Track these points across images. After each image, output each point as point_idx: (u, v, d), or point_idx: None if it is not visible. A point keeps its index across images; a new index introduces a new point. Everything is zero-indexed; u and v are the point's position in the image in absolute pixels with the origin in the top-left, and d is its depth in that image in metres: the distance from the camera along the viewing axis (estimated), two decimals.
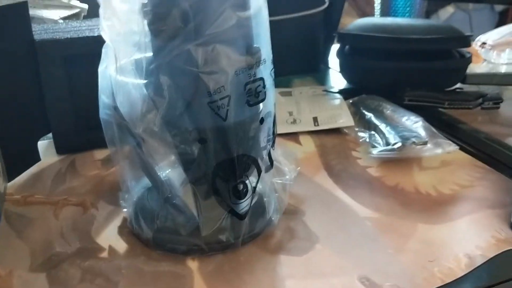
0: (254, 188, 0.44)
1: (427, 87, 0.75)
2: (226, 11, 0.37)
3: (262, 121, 0.43)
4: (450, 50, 0.79)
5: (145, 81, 0.39)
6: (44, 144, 0.63)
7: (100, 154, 0.62)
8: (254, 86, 0.41)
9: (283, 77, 0.90)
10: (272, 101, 0.44)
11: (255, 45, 0.40)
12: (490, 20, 1.92)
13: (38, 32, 0.58)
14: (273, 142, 0.46)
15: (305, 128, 0.67)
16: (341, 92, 0.79)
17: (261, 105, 0.42)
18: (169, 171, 0.46)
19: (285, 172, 0.51)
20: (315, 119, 0.69)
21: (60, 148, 0.62)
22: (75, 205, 0.52)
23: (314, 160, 0.60)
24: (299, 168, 0.53)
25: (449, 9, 2.05)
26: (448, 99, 0.72)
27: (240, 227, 0.44)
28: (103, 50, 0.43)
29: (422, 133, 0.59)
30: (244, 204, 0.44)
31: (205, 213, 0.43)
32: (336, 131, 0.67)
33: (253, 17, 0.40)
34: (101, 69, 0.43)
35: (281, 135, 0.66)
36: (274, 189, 0.49)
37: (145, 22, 0.38)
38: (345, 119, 0.68)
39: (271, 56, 0.42)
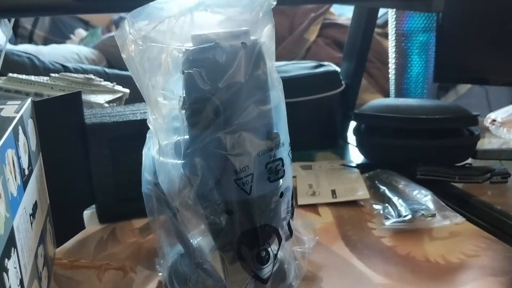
0: (276, 255, 0.50)
1: (438, 162, 0.80)
2: (250, 106, 0.45)
3: (282, 195, 0.50)
4: (460, 128, 0.85)
5: (182, 162, 0.46)
6: (88, 214, 0.70)
7: (138, 223, 0.68)
8: (274, 165, 0.47)
9: (304, 152, 0.97)
10: (290, 178, 0.51)
11: (274, 131, 0.47)
12: (508, 95, 1.98)
13: (88, 117, 0.66)
14: (292, 214, 0.52)
15: (323, 200, 0.73)
16: (358, 166, 0.85)
17: (280, 181, 0.49)
18: (200, 239, 0.52)
19: (304, 241, 0.57)
20: (333, 192, 0.75)
21: (103, 217, 0.69)
22: (116, 269, 0.58)
23: (332, 230, 0.65)
24: (317, 237, 0.59)
25: (467, 85, 2.13)
26: (458, 173, 0.78)
27: None
28: (148, 135, 0.51)
29: (431, 206, 0.64)
30: (267, 270, 0.49)
31: (232, 277, 0.48)
32: (353, 203, 0.72)
33: (273, 109, 0.48)
34: (145, 150, 0.51)
35: (301, 206, 0.72)
36: (294, 257, 0.54)
37: (184, 115, 0.46)
38: (362, 192, 0.73)
39: (288, 139, 0.49)
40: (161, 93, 0.45)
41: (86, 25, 2.98)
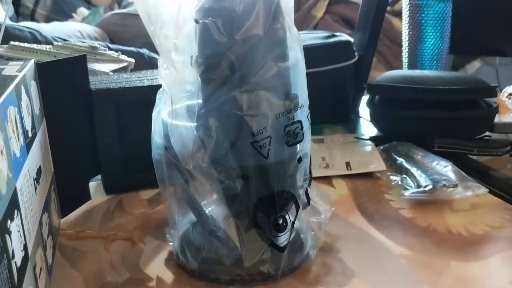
0: (293, 223, 0.47)
1: (456, 134, 0.77)
2: (268, 62, 0.42)
3: (300, 160, 0.47)
4: (477, 100, 0.82)
5: (195, 124, 0.44)
6: (94, 185, 0.68)
7: (145, 194, 0.66)
8: (293, 128, 0.45)
9: (314, 126, 0.93)
10: (309, 143, 0.48)
11: (293, 92, 0.44)
12: None
13: (93, 83, 0.63)
14: (310, 181, 0.50)
15: (338, 172, 0.70)
16: (372, 139, 0.82)
17: (298, 146, 0.46)
18: (213, 207, 0.49)
19: (321, 212, 0.54)
20: (347, 164, 0.72)
21: (109, 188, 0.66)
22: (124, 240, 0.55)
23: (347, 202, 0.63)
24: (333, 208, 0.56)
25: (476, 64, 2.09)
26: (477, 146, 0.75)
27: (280, 260, 0.46)
28: (158, 96, 0.48)
29: (452, 176, 0.62)
30: (284, 238, 0.46)
31: (247, 245, 0.46)
32: (368, 175, 0.69)
33: (291, 67, 0.45)
34: (154, 113, 0.48)
35: (314, 178, 0.69)
36: (310, 227, 0.51)
37: (197, 72, 0.43)
38: (377, 164, 0.71)
39: (307, 102, 0.46)
40: (174, 44, 0.42)
41: (88, 3, 2.93)
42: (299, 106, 0.45)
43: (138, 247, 0.54)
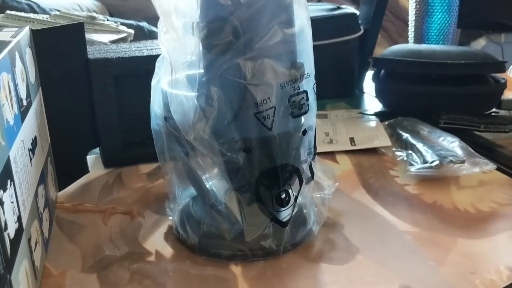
0: (296, 197, 0.46)
1: (462, 110, 0.76)
2: (273, 28, 0.40)
3: (304, 132, 0.45)
4: (485, 75, 0.80)
5: (196, 93, 0.42)
6: (92, 158, 0.66)
7: (145, 168, 0.64)
8: (298, 99, 0.43)
9: (318, 101, 0.92)
10: (314, 115, 0.46)
11: (299, 60, 0.43)
12: None
13: (91, 52, 0.61)
14: (314, 155, 0.48)
15: (342, 148, 0.68)
16: (376, 115, 0.81)
17: (303, 118, 0.44)
18: (214, 181, 0.48)
19: (324, 187, 0.53)
20: (351, 139, 0.70)
21: (108, 161, 0.65)
22: (123, 214, 0.54)
23: (351, 178, 0.61)
24: (337, 184, 0.55)
25: (481, 42, 2.06)
26: (484, 122, 0.73)
27: (282, 235, 0.45)
28: (157, 65, 0.46)
29: (459, 152, 0.60)
30: (286, 213, 0.45)
31: (249, 220, 0.44)
32: (373, 151, 0.68)
33: (297, 34, 0.42)
34: (153, 82, 0.46)
35: (318, 154, 0.68)
36: (313, 203, 0.50)
37: (199, 37, 0.41)
38: (382, 140, 0.69)
39: (313, 71, 0.44)
40: (174, 6, 0.40)
41: None
42: (305, 76, 0.43)
43: (137, 221, 0.53)
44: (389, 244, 0.48)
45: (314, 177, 0.50)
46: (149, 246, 0.48)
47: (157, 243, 0.49)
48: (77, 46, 0.58)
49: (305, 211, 0.49)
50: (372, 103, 0.90)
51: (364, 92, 0.97)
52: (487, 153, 0.66)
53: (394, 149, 0.66)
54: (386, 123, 0.75)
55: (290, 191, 0.45)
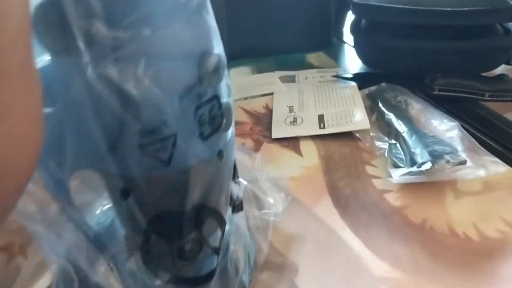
0: (217, 248, 0.31)
1: (462, 72, 0.60)
2: None
3: (221, 155, 0.29)
4: (493, 25, 0.63)
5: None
6: None
7: None
8: (207, 110, 0.27)
9: (289, 55, 0.75)
10: (232, 123, 0.30)
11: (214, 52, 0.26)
12: None
13: None
14: (235, 174, 0.33)
15: (308, 131, 0.53)
16: (355, 78, 0.64)
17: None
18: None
19: (269, 204, 0.38)
20: (320, 118, 0.55)
21: None
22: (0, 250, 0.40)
23: (316, 179, 0.46)
24: (290, 197, 0.40)
25: None
26: (490, 89, 0.57)
27: None
28: None
29: (459, 146, 0.45)
30: (199, 267, 0.31)
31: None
32: (347, 135, 0.52)
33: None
34: None
35: (277, 140, 0.53)
36: (248, 232, 0.36)
37: None
38: (359, 119, 0.53)
39: (224, 56, 0.28)
40: None
41: None
42: (217, 71, 0.27)
43: (15, 264, 0.38)
44: None
45: (254, 192, 0.35)
46: None
47: None
48: None
49: (232, 248, 0.34)
50: (354, 55, 0.73)
51: (344, 42, 0.80)
52: (492, 134, 0.51)
53: (373, 134, 0.51)
54: (366, 91, 0.59)
55: (200, 237, 0.30)
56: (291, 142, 0.52)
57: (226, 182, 0.31)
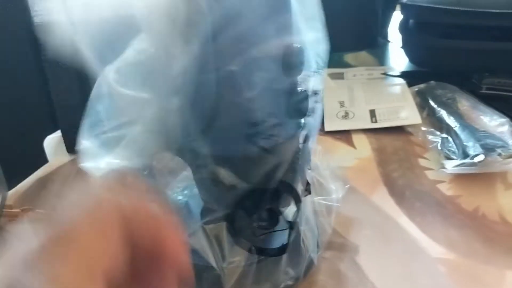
0: (292, 223, 0.34)
1: (509, 72, 0.61)
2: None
3: (306, 139, 0.33)
4: None
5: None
6: (52, 142, 0.55)
7: None
8: (300, 98, 0.30)
9: (334, 54, 0.77)
10: (320, 115, 0.33)
11: (295, 45, 0.29)
12: None
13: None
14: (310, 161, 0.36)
15: (360, 125, 0.56)
16: (404, 75, 0.67)
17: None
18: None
19: (330, 191, 0.41)
20: (372, 113, 0.57)
21: (72, 146, 0.53)
22: None
23: (370, 170, 0.49)
24: (348, 186, 0.43)
25: None
26: None
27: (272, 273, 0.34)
28: None
29: (510, 141, 0.47)
30: (275, 239, 0.34)
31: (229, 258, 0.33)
32: (398, 129, 0.55)
33: None
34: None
35: (329, 133, 0.55)
36: (314, 214, 0.38)
37: None
38: (410, 114, 0.56)
39: (327, 48, 0.31)
40: None
41: None
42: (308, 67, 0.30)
43: None
44: (416, 280, 0.36)
45: (317, 179, 0.38)
46: None
47: None
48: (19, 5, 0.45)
49: (301, 228, 0.37)
50: (398, 56, 0.75)
51: (388, 41, 0.82)
52: None
53: (424, 128, 0.53)
54: (416, 89, 0.61)
55: (277, 210, 0.33)
56: (344, 135, 0.55)
57: (305, 164, 0.34)
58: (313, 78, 0.30)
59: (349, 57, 0.76)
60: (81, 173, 0.49)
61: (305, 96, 0.29)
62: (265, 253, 0.33)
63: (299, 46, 0.30)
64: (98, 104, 0.33)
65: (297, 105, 0.29)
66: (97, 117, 0.33)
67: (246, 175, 0.30)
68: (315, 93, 0.30)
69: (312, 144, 0.34)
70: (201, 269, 0.33)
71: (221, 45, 0.26)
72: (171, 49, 0.27)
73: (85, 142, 0.31)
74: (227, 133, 0.28)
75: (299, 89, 0.29)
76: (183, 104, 0.28)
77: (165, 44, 0.28)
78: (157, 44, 0.28)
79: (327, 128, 0.56)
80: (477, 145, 0.46)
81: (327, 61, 0.32)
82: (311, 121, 0.32)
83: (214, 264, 0.32)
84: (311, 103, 0.30)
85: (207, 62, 0.26)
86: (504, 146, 0.46)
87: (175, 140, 0.29)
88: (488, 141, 0.46)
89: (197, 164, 0.31)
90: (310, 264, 0.37)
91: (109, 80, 0.31)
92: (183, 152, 0.31)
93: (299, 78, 0.29)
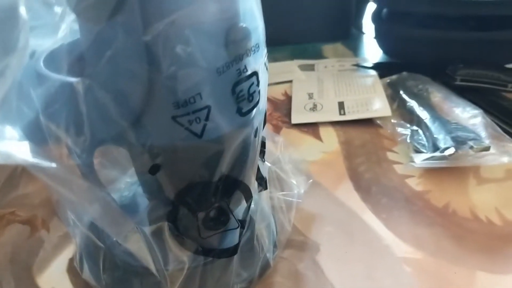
0: (242, 221, 0.31)
1: (484, 63, 0.59)
2: None
3: (255, 130, 0.30)
4: None
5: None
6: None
7: None
8: (246, 86, 0.27)
9: (305, 44, 0.75)
10: (265, 101, 0.30)
11: (242, 25, 0.26)
12: None
13: None
14: (264, 153, 0.33)
15: (327, 118, 0.53)
16: (376, 67, 0.64)
17: (254, 110, 0.29)
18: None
19: (291, 186, 0.38)
20: (341, 105, 0.55)
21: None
22: (22, 223, 0.40)
23: (336, 164, 0.46)
24: (311, 180, 0.40)
25: None
26: None
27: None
28: None
29: (482, 133, 0.45)
30: (225, 238, 0.31)
31: (172, 261, 0.30)
32: (367, 122, 0.52)
33: None
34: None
35: (296, 125, 0.53)
36: (271, 211, 0.35)
37: None
38: (380, 106, 0.53)
39: (263, 35, 0.28)
40: None
41: None
42: (253, 49, 0.27)
43: (38, 237, 0.39)
44: (379, 280, 0.34)
45: (278, 174, 0.36)
46: (43, 283, 0.34)
47: (55, 277, 0.35)
48: None
49: (256, 231, 0.34)
50: (372, 47, 0.73)
51: (363, 33, 0.79)
52: None
53: (394, 121, 0.51)
54: (387, 80, 0.59)
55: (227, 207, 0.30)
56: (311, 128, 0.52)
57: (255, 158, 0.31)
58: (252, 59, 0.27)
59: (323, 50, 0.74)
60: (24, 170, 0.45)
61: (243, 78, 0.26)
62: (212, 254, 0.30)
63: (244, 25, 0.27)
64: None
65: (235, 87, 0.26)
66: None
67: (183, 165, 0.27)
68: (254, 74, 0.27)
69: (261, 134, 0.31)
70: (138, 275, 0.30)
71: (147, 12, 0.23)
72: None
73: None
74: (159, 120, 0.25)
75: (237, 69, 0.25)
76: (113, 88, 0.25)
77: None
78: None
79: (294, 120, 0.53)
80: (448, 138, 0.43)
81: (265, 43, 0.28)
82: (256, 109, 0.29)
83: (153, 268, 0.29)
84: (252, 86, 0.27)
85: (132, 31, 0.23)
86: (476, 138, 0.43)
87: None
88: (460, 133, 0.44)
89: (132, 155, 0.28)
90: (266, 264, 0.34)
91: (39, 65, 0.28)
92: (119, 142, 0.27)
93: (239, 59, 0.26)
